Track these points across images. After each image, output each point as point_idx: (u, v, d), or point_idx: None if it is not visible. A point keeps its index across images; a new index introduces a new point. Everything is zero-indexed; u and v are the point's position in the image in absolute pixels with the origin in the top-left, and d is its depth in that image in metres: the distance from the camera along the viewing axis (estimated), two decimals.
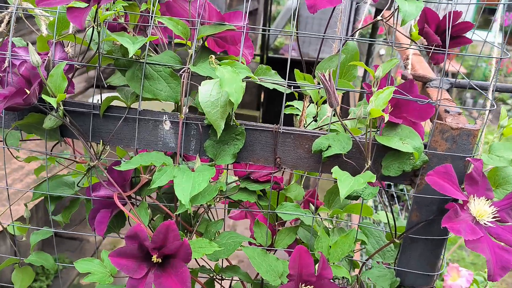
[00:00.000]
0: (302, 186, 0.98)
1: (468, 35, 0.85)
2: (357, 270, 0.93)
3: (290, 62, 0.76)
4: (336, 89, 0.75)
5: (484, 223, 0.68)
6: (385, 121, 0.75)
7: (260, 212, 1.07)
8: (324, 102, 0.91)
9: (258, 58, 5.02)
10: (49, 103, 0.76)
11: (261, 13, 5.51)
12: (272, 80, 0.78)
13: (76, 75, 0.78)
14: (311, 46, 6.38)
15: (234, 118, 0.76)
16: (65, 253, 2.96)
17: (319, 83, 0.76)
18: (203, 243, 0.75)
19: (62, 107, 0.74)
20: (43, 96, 0.68)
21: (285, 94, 0.77)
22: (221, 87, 0.66)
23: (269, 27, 5.08)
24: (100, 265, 0.79)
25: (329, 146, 0.74)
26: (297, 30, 0.84)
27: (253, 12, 5.76)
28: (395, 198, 1.66)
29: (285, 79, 0.78)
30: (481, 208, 0.68)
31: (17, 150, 0.85)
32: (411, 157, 0.74)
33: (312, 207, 0.95)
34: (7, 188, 0.85)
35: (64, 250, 2.99)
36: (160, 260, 0.68)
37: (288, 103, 1.02)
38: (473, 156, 0.74)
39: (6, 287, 2.36)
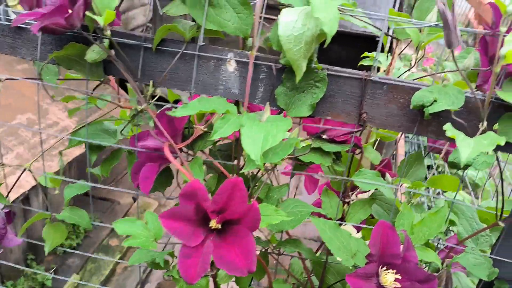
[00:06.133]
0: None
1: None
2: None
3: (338, 36, 0.62)
4: None
5: None
6: (508, 72, 0.60)
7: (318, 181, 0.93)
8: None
9: None
10: (94, 31, 0.63)
11: None
12: (363, 15, 0.63)
13: None
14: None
15: (316, 60, 0.62)
16: (96, 213, 2.92)
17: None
18: (269, 210, 0.62)
19: (109, 34, 0.61)
20: (88, 13, 0.55)
21: (382, 36, 0.62)
22: (312, 12, 0.52)
23: None
24: (144, 227, 0.68)
25: (434, 101, 0.59)
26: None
27: None
28: (466, 179, 1.49)
29: (326, 51, 0.63)
30: None
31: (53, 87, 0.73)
32: None
33: (389, 178, 0.81)
34: (40, 132, 0.74)
35: (95, 210, 2.94)
36: (219, 226, 0.56)
37: (366, 53, 0.87)
38: None
39: (36, 245, 2.33)
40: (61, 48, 0.66)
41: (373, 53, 0.83)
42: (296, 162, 0.74)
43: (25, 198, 2.18)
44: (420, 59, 0.78)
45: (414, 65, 0.71)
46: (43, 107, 2.52)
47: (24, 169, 0.75)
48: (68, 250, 1.27)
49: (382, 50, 0.82)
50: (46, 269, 2.53)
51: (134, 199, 3.14)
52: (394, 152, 2.16)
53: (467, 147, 0.49)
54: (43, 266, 2.49)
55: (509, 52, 0.50)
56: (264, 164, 0.72)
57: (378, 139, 0.87)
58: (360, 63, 0.84)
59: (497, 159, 0.61)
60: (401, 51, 0.72)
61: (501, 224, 0.67)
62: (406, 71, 0.76)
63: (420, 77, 0.71)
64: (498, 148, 0.63)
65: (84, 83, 0.72)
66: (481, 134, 0.57)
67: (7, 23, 0.68)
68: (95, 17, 0.53)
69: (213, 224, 0.55)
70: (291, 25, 0.55)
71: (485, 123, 0.58)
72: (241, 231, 0.54)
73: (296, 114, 0.64)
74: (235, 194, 0.53)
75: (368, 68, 0.64)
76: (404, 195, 0.82)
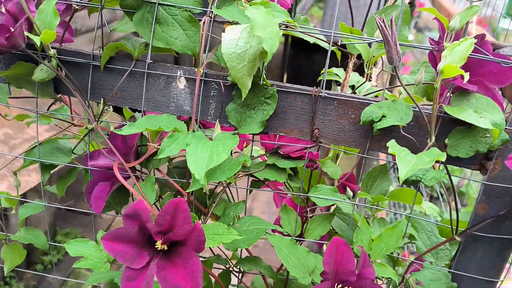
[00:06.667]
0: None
1: None
2: (398, 269, 0.79)
3: (315, 46, 0.63)
4: None
5: None
6: (455, 86, 0.60)
7: (286, 195, 0.93)
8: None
9: (282, 37, 4.80)
10: (42, 51, 0.62)
11: None
12: (312, 32, 0.63)
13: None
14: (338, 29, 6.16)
15: (264, 77, 0.61)
16: (77, 228, 2.88)
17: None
18: (220, 229, 0.61)
19: (54, 53, 0.60)
20: (26, 33, 0.54)
21: (329, 51, 0.62)
22: (252, 31, 0.51)
23: (295, 8, 4.87)
24: (96, 248, 0.66)
25: (383, 116, 0.59)
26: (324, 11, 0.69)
27: None
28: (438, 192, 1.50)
29: (311, 62, 0.62)
30: None
31: (7, 107, 0.72)
32: (487, 135, 0.58)
33: (350, 193, 0.80)
34: None
35: (76, 225, 2.90)
36: (165, 248, 0.55)
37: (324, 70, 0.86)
38: None
39: None
40: (9, 67, 0.66)
41: (333, 68, 0.83)
42: (253, 178, 0.73)
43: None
44: (379, 72, 0.78)
45: (366, 79, 0.71)
46: (29, 133, 2.50)
47: None
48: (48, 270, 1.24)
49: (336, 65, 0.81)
50: (26, 286, 2.49)
51: (117, 213, 3.11)
52: (376, 163, 2.16)
53: (406, 165, 0.48)
54: (22, 283, 2.45)
55: (446, 67, 0.49)
56: (220, 182, 0.71)
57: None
58: (319, 78, 0.84)
59: (448, 173, 0.61)
60: (356, 66, 0.72)
61: (458, 238, 0.66)
62: (361, 84, 0.76)
63: (373, 92, 0.71)
64: (448, 162, 0.63)
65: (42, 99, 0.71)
66: (429, 149, 0.56)
67: None
68: (32, 37, 0.52)
69: (159, 245, 0.54)
70: (234, 43, 0.55)
71: (433, 138, 0.58)
72: (186, 252, 0.53)
73: (247, 131, 0.63)
74: (178, 215, 0.52)
75: (318, 84, 0.64)
76: (367, 209, 0.81)
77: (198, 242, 0.53)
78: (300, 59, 3.50)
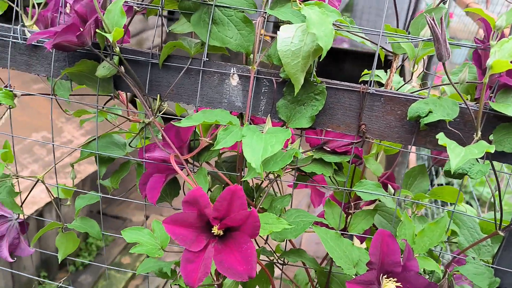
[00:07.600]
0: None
1: None
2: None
3: (344, 54, 0.65)
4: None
5: None
6: (500, 84, 0.62)
7: (324, 194, 0.95)
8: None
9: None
10: (105, 48, 0.67)
11: None
12: (359, 31, 0.66)
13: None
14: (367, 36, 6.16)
15: (315, 74, 0.64)
16: (108, 231, 2.94)
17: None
18: (271, 218, 0.64)
19: (119, 51, 0.64)
20: (98, 31, 0.58)
21: (377, 51, 0.65)
22: (308, 28, 0.54)
23: None
24: (150, 235, 0.70)
25: (430, 112, 0.61)
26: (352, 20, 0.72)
27: None
28: (473, 194, 1.50)
29: (339, 70, 0.65)
30: None
31: (67, 103, 0.77)
32: None
33: (391, 190, 0.82)
34: (53, 144, 0.77)
35: (107, 228, 2.97)
36: (221, 233, 0.58)
37: (366, 71, 0.89)
38: None
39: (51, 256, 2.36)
40: (73, 65, 0.70)
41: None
42: (299, 173, 0.76)
43: (39, 215, 2.22)
44: (420, 73, 0.80)
45: (411, 79, 0.73)
46: (58, 125, 2.58)
47: (38, 180, 0.78)
48: (85, 261, 1.29)
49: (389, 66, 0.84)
50: (59, 287, 2.55)
51: (147, 217, 3.17)
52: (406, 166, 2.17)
53: (457, 155, 0.51)
54: (55, 284, 2.52)
55: (495, 62, 0.52)
56: (268, 174, 0.74)
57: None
58: (361, 79, 0.87)
59: (493, 168, 0.63)
60: (399, 66, 0.74)
61: (501, 233, 0.68)
62: (404, 84, 0.78)
63: (416, 91, 0.73)
64: (493, 158, 0.65)
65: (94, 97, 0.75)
66: (476, 142, 0.58)
67: (24, 42, 0.72)
68: (104, 34, 0.56)
69: (215, 230, 0.57)
70: (289, 41, 0.58)
71: (479, 133, 0.60)
72: (241, 238, 0.56)
73: (296, 125, 0.66)
74: (235, 201, 0.55)
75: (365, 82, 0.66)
76: (408, 207, 0.83)
77: (253, 227, 0.56)
78: (329, 67, 3.56)
